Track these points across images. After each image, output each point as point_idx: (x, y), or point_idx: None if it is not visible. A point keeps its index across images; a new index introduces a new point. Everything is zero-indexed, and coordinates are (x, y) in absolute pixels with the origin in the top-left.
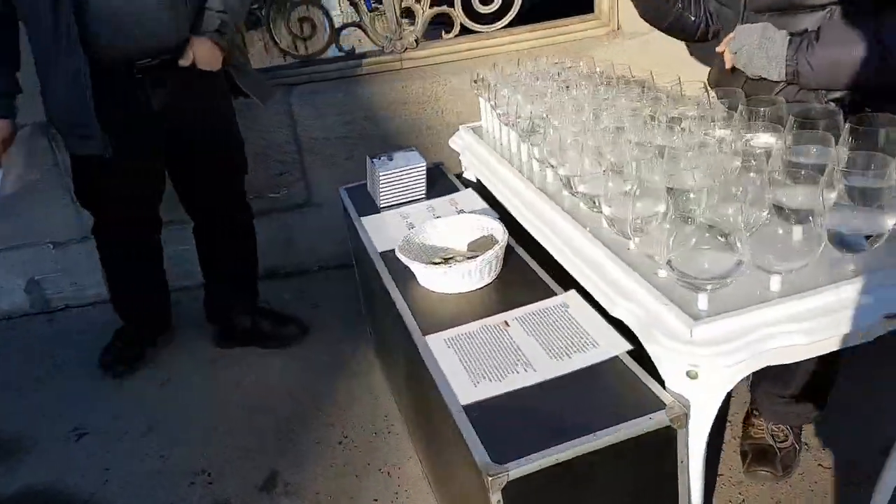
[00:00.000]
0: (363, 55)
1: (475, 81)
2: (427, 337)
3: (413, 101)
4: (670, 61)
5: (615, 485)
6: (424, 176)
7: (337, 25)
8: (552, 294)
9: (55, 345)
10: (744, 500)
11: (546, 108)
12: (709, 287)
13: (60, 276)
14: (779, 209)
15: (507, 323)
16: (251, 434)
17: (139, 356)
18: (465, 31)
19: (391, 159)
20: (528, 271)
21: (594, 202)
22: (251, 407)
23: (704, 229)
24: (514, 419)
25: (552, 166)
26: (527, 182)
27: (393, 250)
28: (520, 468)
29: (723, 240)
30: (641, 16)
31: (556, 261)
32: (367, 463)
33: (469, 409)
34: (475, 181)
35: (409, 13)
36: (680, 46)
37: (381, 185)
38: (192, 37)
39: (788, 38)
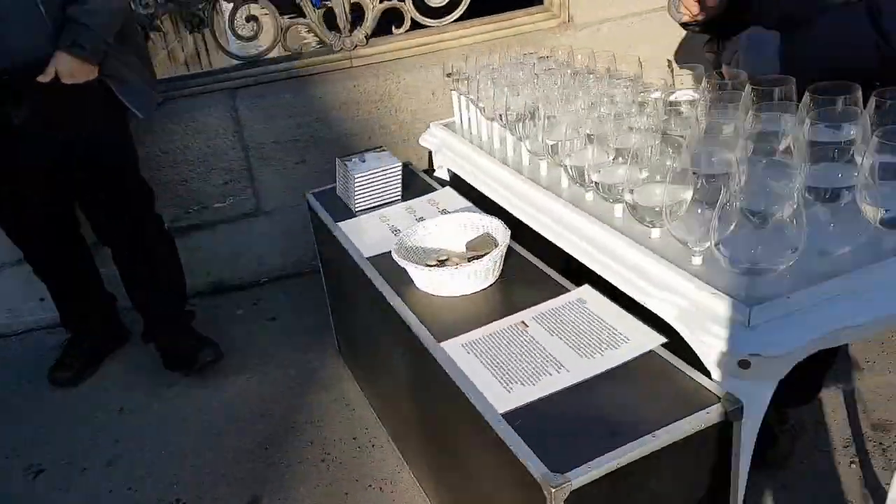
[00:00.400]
0: (312, 54)
1: (448, 75)
2: (442, 344)
3: (365, 100)
4: (621, 49)
5: (672, 485)
6: (400, 176)
7: (283, 24)
8: (563, 290)
9: None
10: (751, 485)
11: (536, 99)
12: (775, 270)
13: None
14: (811, 189)
15: (524, 323)
16: (224, 458)
17: (88, 365)
18: (415, 26)
19: (363, 160)
20: (530, 268)
21: (616, 191)
22: (220, 430)
23: (741, 213)
24: (560, 424)
25: (553, 158)
26: (529, 179)
27: (381, 255)
28: (582, 476)
29: (759, 221)
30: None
31: (555, 256)
32: (356, 479)
33: (509, 417)
34: (448, 179)
35: (357, 9)
36: (628, 34)
37: (356, 188)
38: (57, 51)
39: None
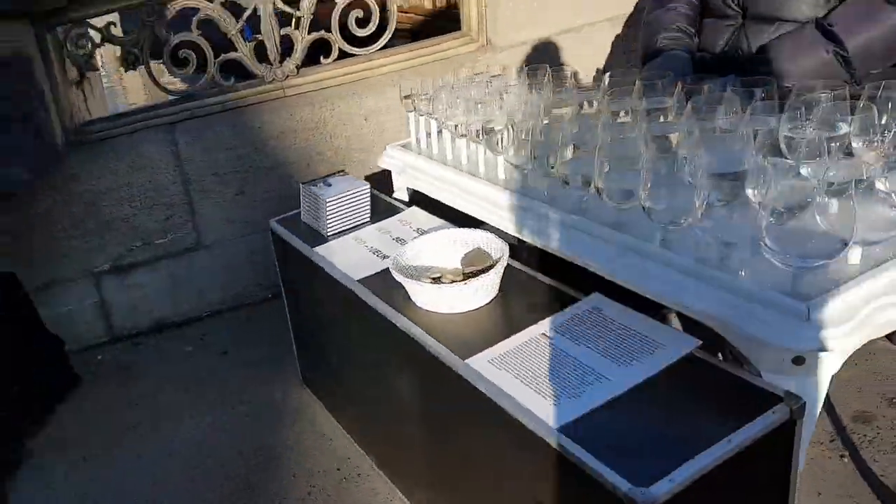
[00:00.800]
0: (245, 86)
1: (407, 97)
2: (468, 361)
3: (301, 128)
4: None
5: (740, 490)
6: (369, 198)
7: (216, 58)
8: (571, 299)
9: None
10: None
11: (512, 113)
12: (828, 264)
13: None
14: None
15: (545, 335)
16: (205, 499)
17: (41, 415)
18: (342, 55)
19: (329, 185)
20: (527, 280)
21: (626, 197)
22: (194, 469)
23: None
24: (622, 435)
25: (545, 169)
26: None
27: (370, 277)
28: (666, 489)
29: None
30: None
31: (549, 268)
32: None
33: (566, 432)
34: (408, 199)
35: (287, 41)
36: (545, 55)
37: (328, 212)
38: None
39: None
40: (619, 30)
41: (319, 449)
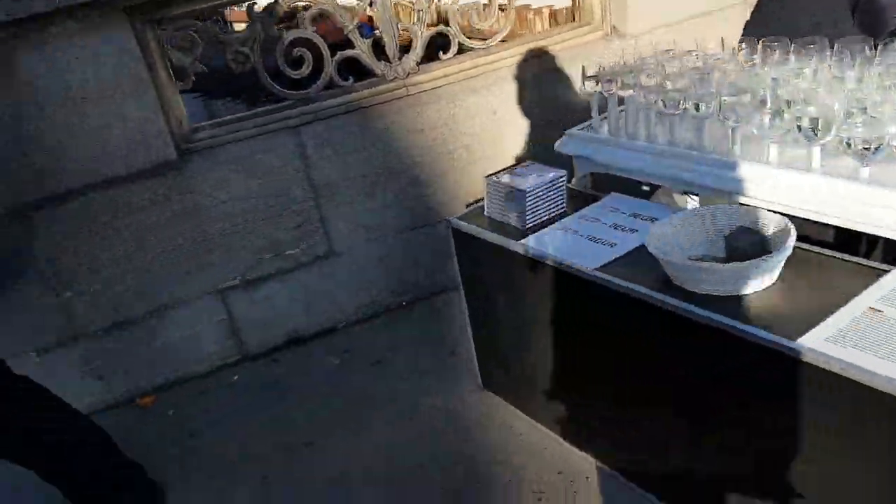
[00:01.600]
0: (366, 85)
1: (590, 78)
2: (801, 340)
3: (429, 126)
4: None
5: None
6: (566, 187)
7: (334, 57)
8: (877, 272)
9: None
10: None
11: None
12: None
13: None
14: None
15: (874, 308)
16: None
17: None
18: (461, 50)
19: (520, 175)
20: (810, 257)
21: None
22: (397, 487)
23: None
24: None
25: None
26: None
27: (607, 265)
28: None
29: None
30: (859, 27)
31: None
32: None
33: None
34: (589, 185)
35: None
36: (671, 38)
37: (527, 204)
38: None
39: None
40: (749, 11)
41: (528, 453)
